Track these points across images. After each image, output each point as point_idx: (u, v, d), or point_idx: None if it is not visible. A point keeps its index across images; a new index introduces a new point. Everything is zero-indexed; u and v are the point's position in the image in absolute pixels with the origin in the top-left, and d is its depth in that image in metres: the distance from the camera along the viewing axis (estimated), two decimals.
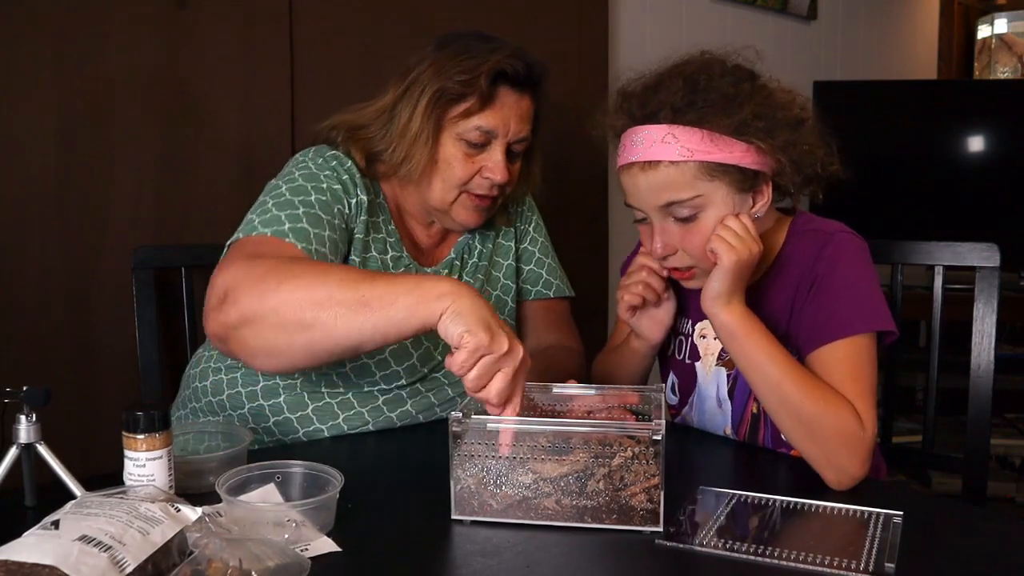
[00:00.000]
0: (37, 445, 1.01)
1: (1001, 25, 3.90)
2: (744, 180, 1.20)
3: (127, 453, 0.98)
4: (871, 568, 0.89)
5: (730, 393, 1.33)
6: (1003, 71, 3.85)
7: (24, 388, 0.99)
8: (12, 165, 1.63)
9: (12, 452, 1.01)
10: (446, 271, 1.47)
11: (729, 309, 1.18)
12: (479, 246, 1.52)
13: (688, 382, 1.39)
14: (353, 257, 1.36)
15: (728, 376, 1.33)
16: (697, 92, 1.19)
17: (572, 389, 1.19)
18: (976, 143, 3.01)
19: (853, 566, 0.89)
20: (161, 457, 0.98)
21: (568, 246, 2.48)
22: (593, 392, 1.18)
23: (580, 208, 2.51)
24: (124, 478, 0.98)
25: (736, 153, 1.18)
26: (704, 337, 1.35)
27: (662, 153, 1.18)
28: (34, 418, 1.01)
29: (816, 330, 1.21)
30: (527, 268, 1.59)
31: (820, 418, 1.13)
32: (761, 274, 1.29)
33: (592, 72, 2.52)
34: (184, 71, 1.78)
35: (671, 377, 1.43)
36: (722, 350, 1.33)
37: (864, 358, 1.19)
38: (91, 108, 1.69)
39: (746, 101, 1.19)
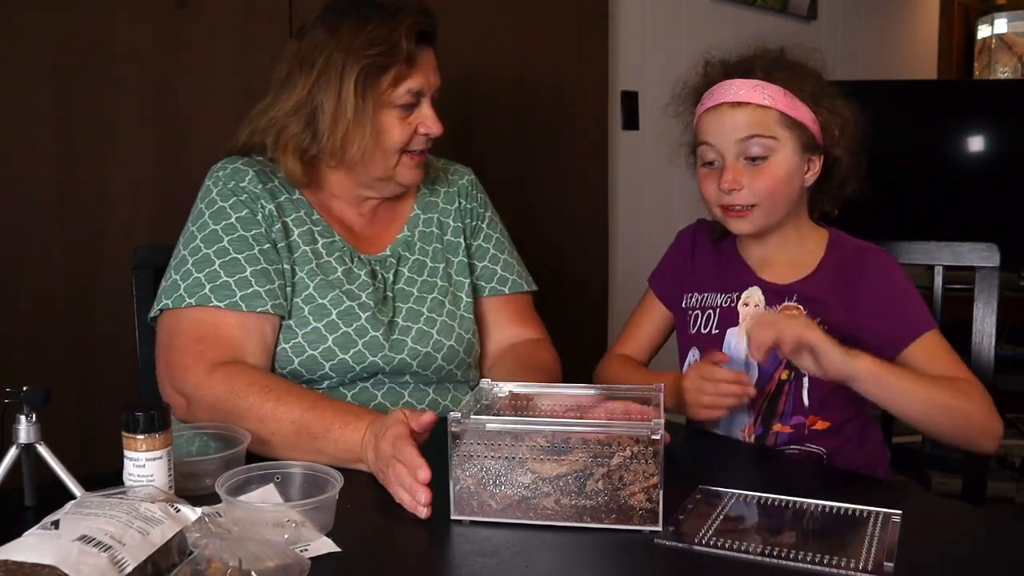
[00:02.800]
0: (37, 445, 1.01)
1: (1001, 25, 3.90)
2: (808, 142, 1.38)
3: (127, 453, 0.98)
4: (870, 567, 0.89)
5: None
6: (1003, 71, 3.85)
7: (24, 388, 0.99)
8: (12, 165, 1.63)
9: (12, 452, 1.01)
10: (378, 266, 1.43)
11: (859, 357, 1.22)
12: (419, 243, 1.49)
13: (711, 352, 1.43)
14: (285, 265, 1.35)
15: None
16: (784, 62, 1.41)
17: (571, 389, 1.19)
18: (976, 143, 3.01)
19: (852, 565, 0.89)
20: (161, 457, 0.98)
21: (568, 246, 2.49)
22: (593, 392, 1.18)
23: (580, 208, 2.51)
24: (124, 478, 0.98)
25: (808, 117, 1.38)
26: (747, 305, 1.43)
27: (751, 96, 1.37)
28: (34, 418, 1.01)
29: (899, 330, 1.33)
30: (481, 265, 1.55)
31: (963, 404, 1.26)
32: (807, 274, 1.41)
33: (592, 72, 2.52)
34: (184, 71, 1.78)
35: (693, 352, 1.47)
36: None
37: (946, 343, 1.35)
38: (91, 108, 1.69)
39: (819, 83, 1.41)
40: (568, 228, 2.49)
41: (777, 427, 1.38)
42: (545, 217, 2.43)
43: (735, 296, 1.44)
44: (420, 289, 1.44)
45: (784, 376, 1.37)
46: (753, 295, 1.43)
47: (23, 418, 1.01)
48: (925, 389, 1.25)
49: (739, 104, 1.37)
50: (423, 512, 1.01)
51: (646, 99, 2.74)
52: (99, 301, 1.72)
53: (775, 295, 1.41)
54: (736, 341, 1.41)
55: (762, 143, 1.35)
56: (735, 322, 1.42)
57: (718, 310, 1.45)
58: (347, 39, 1.34)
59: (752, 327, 1.23)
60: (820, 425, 1.33)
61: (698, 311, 1.48)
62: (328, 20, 1.37)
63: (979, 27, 4.03)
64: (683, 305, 1.51)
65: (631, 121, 2.71)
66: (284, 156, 1.38)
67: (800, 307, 1.39)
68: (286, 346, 1.34)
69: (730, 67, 1.41)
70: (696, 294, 1.50)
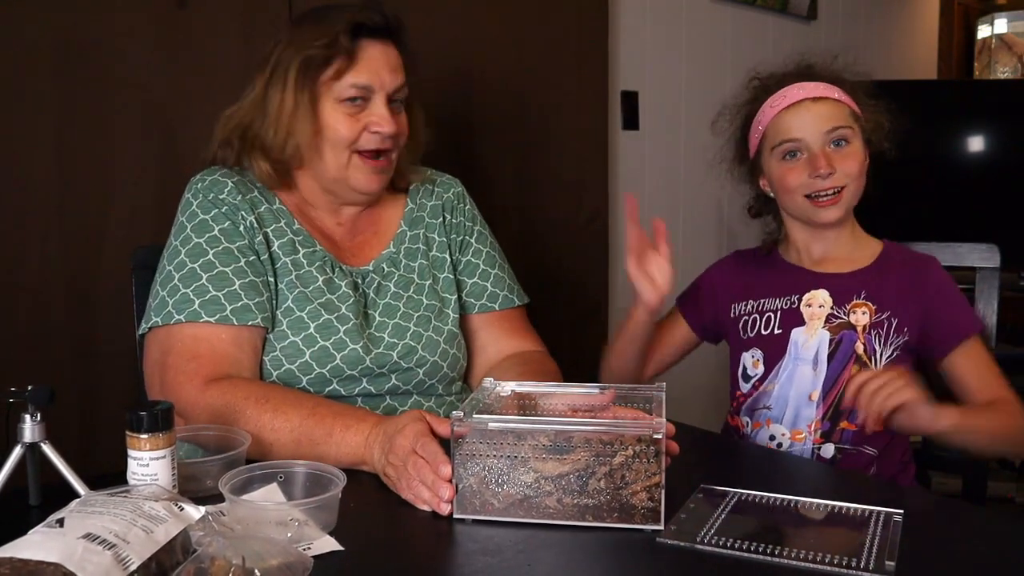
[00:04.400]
0: (42, 444, 1.02)
1: (1001, 25, 3.91)
2: (865, 138, 1.50)
3: (131, 452, 0.98)
4: (871, 566, 0.89)
5: (830, 356, 1.45)
6: (1003, 71, 3.86)
7: (29, 387, 1.00)
8: (12, 165, 1.63)
9: (17, 451, 1.01)
10: (360, 280, 1.42)
11: (945, 413, 1.31)
12: (405, 259, 1.47)
13: (776, 352, 1.50)
14: (269, 278, 1.35)
15: (832, 341, 1.46)
16: (834, 71, 1.53)
17: (572, 388, 1.19)
18: (976, 143, 3.01)
19: (854, 564, 0.89)
20: (164, 456, 0.98)
21: (568, 246, 2.50)
22: (595, 391, 1.18)
23: (580, 208, 2.52)
24: (128, 477, 0.98)
25: (863, 117, 1.51)
26: (810, 306, 1.50)
27: (828, 92, 1.49)
28: (39, 417, 1.01)
29: (953, 331, 1.45)
30: (470, 282, 1.53)
31: (1017, 428, 1.39)
32: (865, 267, 1.51)
33: (592, 72, 2.52)
34: (184, 71, 1.78)
35: (753, 352, 1.52)
36: (829, 314, 1.48)
37: (988, 348, 1.49)
38: (91, 108, 1.69)
39: (864, 89, 1.53)
40: (568, 228, 2.49)
41: (843, 424, 1.43)
42: (545, 217, 2.43)
43: (796, 298, 1.51)
44: (406, 305, 1.43)
45: (855, 371, 1.43)
46: (817, 296, 1.50)
47: (28, 417, 1.01)
48: (989, 423, 1.38)
49: (820, 99, 1.48)
50: (445, 509, 1.02)
51: (646, 99, 2.74)
52: (99, 301, 1.72)
53: (842, 292, 1.48)
54: (804, 340, 1.48)
55: (844, 132, 1.47)
56: (799, 322, 1.49)
57: (778, 312, 1.51)
58: (298, 35, 1.37)
59: (860, 399, 1.27)
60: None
61: (755, 315, 1.54)
62: (292, 23, 1.41)
63: (979, 27, 4.04)
64: (731, 315, 1.56)
65: (631, 121, 2.71)
66: (252, 156, 1.39)
67: (869, 303, 1.46)
68: (265, 359, 1.33)
69: (790, 74, 1.51)
70: (750, 301, 1.55)
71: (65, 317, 1.69)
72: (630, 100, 2.70)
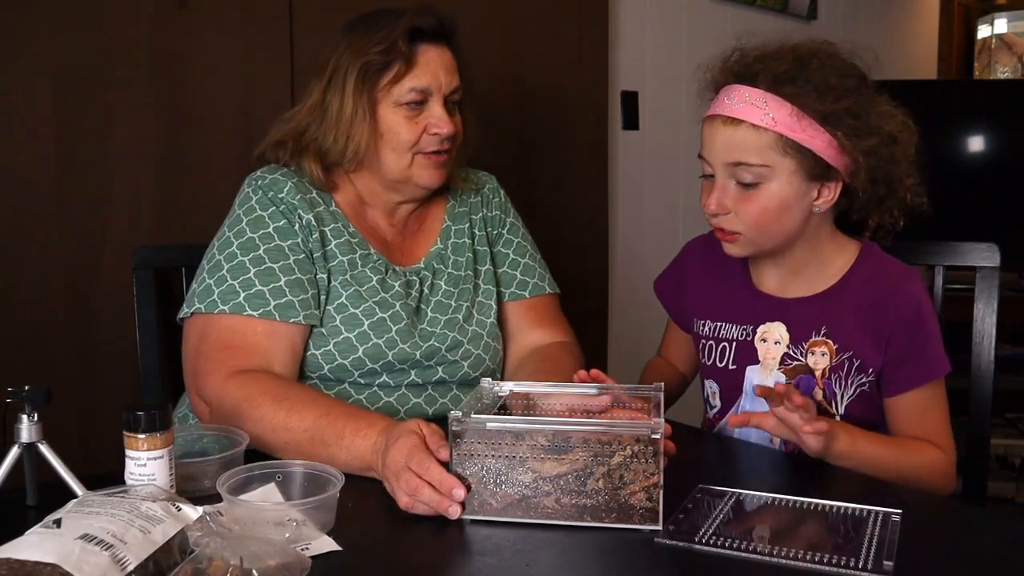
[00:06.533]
0: (39, 444, 1.01)
1: (1001, 25, 3.91)
2: (815, 168, 1.23)
3: (128, 452, 0.98)
4: (870, 566, 0.89)
5: None
6: (1003, 71, 3.86)
7: (26, 388, 1.00)
8: (12, 165, 1.63)
9: (14, 451, 1.01)
10: (414, 277, 1.45)
11: (838, 442, 1.19)
12: (452, 255, 1.51)
13: (731, 389, 1.38)
14: (320, 274, 1.37)
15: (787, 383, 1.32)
16: (803, 71, 1.21)
17: (570, 388, 1.19)
18: (976, 143, 3.01)
19: (852, 563, 0.89)
20: (162, 456, 0.98)
21: (568, 246, 2.49)
22: (594, 391, 1.18)
23: (580, 208, 2.52)
24: (125, 477, 0.98)
25: (818, 141, 1.21)
26: (765, 341, 1.35)
27: (747, 114, 1.21)
28: (36, 417, 1.01)
29: (909, 376, 1.29)
30: (500, 271, 1.56)
31: (921, 471, 1.26)
32: (827, 287, 1.33)
33: (592, 72, 2.52)
34: (184, 71, 1.78)
35: (710, 384, 1.43)
36: (784, 355, 1.33)
37: (944, 396, 1.32)
38: (91, 108, 1.69)
39: (845, 96, 1.21)
40: (568, 228, 2.49)
41: None
42: (545, 217, 2.43)
43: (751, 329, 1.35)
44: (456, 300, 1.46)
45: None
46: (773, 331, 1.33)
47: (25, 417, 1.01)
48: (896, 460, 1.25)
49: (733, 120, 1.22)
50: (454, 513, 1.00)
51: (646, 99, 2.74)
52: (99, 301, 1.72)
53: (800, 327, 1.32)
54: (758, 379, 1.34)
55: (751, 171, 1.22)
56: (754, 359, 1.35)
57: (734, 343, 1.37)
58: (356, 43, 1.39)
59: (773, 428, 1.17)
60: None
61: (711, 342, 1.41)
62: (348, 28, 1.43)
63: (979, 27, 4.04)
64: (695, 330, 1.46)
65: (631, 121, 2.71)
66: (306, 158, 1.42)
67: (829, 342, 1.30)
68: (316, 352, 1.35)
69: (742, 67, 1.26)
70: (708, 322, 1.42)
71: (65, 317, 1.69)
72: (630, 100, 2.70)
